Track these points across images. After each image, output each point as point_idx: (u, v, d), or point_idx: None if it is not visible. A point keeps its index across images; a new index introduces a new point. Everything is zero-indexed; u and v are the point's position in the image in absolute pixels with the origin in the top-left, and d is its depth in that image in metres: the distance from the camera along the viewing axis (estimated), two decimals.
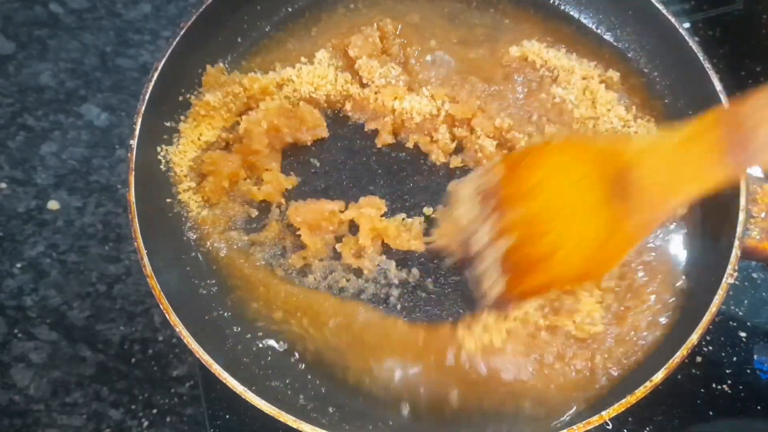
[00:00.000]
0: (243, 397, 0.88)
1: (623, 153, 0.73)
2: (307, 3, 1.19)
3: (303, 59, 1.11)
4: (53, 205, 1.21)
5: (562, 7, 1.21)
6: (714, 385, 1.09)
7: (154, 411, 1.12)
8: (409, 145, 1.10)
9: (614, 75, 1.11)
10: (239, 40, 1.16)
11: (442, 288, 1.01)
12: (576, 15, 1.21)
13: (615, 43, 1.19)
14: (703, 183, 0.71)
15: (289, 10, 1.19)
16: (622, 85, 1.14)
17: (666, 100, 1.13)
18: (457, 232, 0.89)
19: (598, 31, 1.20)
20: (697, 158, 0.70)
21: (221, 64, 1.11)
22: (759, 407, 1.08)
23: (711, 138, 0.69)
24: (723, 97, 1.00)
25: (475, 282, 0.88)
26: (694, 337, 0.90)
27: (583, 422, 0.87)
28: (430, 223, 1.03)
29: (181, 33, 1.03)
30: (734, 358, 1.11)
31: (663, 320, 1.00)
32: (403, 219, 1.04)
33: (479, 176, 0.89)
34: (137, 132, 0.98)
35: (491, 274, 0.84)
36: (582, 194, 0.76)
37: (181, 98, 1.09)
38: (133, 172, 0.96)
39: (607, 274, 0.88)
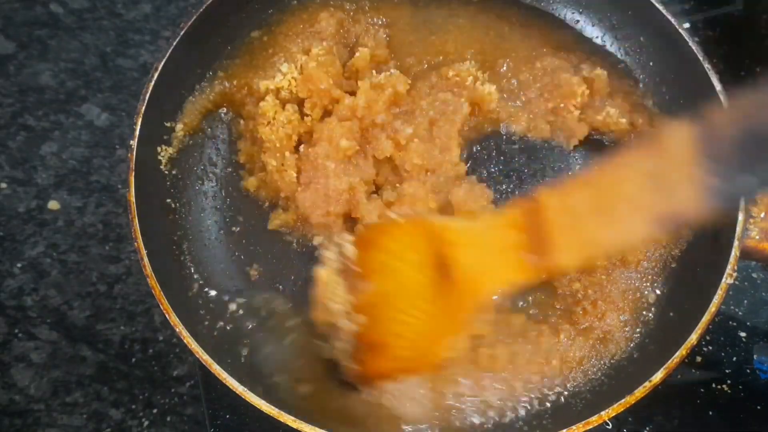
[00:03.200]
0: (243, 397, 0.88)
1: (446, 234, 0.72)
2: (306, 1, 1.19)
3: (304, 58, 1.12)
4: (53, 205, 1.21)
5: (562, 7, 1.21)
6: (714, 385, 1.09)
7: (155, 411, 1.12)
8: None
9: (601, 73, 1.12)
10: (240, 39, 1.16)
11: None
12: (576, 15, 1.21)
13: (615, 43, 1.19)
14: (506, 280, 0.70)
15: (293, 3, 1.19)
16: (620, 84, 1.14)
17: (666, 99, 1.13)
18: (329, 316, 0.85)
19: (598, 31, 1.20)
20: (499, 254, 0.68)
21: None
22: (759, 407, 1.08)
23: (511, 235, 0.67)
24: (723, 97, 1.00)
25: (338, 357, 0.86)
26: (693, 337, 0.90)
27: (583, 422, 0.87)
28: None
29: (181, 33, 1.03)
30: (734, 358, 1.11)
31: (662, 319, 1.00)
32: None
33: (334, 256, 0.85)
34: (137, 132, 0.98)
35: (345, 352, 0.83)
36: (415, 278, 0.75)
37: (181, 98, 1.09)
38: (133, 172, 0.96)
39: (444, 358, 0.82)
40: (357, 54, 1.09)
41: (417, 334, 0.76)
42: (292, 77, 1.09)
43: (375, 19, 1.17)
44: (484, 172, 1.11)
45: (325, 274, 0.84)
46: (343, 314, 0.80)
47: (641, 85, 1.16)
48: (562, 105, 1.11)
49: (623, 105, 1.13)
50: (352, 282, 0.80)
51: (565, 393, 0.99)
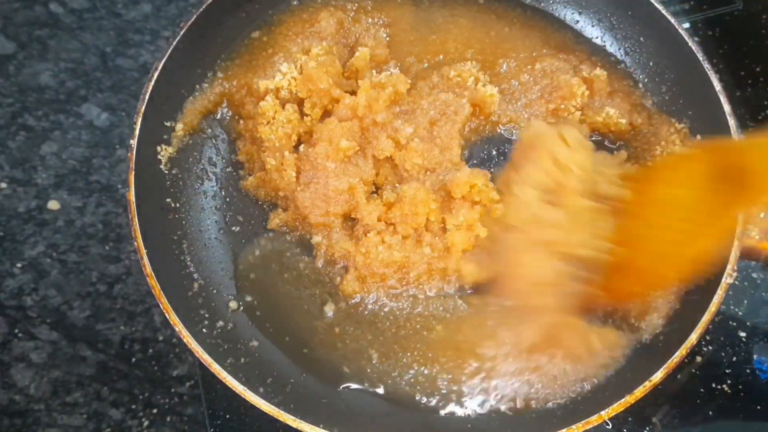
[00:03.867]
0: (243, 397, 0.89)
1: (738, 148, 0.83)
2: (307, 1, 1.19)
3: (304, 57, 1.12)
4: (53, 205, 1.21)
5: (563, 12, 1.21)
6: (714, 385, 1.09)
7: (155, 411, 1.12)
8: None
9: (601, 73, 1.12)
10: (240, 39, 1.16)
11: None
12: (576, 15, 1.21)
13: (615, 43, 1.19)
14: None
15: (293, 3, 1.19)
16: (620, 84, 1.14)
17: (666, 99, 1.14)
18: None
19: (598, 31, 1.20)
20: None
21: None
22: (759, 407, 1.08)
23: None
24: (722, 97, 1.00)
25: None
26: (693, 337, 0.90)
27: (583, 422, 0.87)
28: None
29: (181, 33, 1.03)
30: (734, 358, 1.11)
31: (662, 320, 1.00)
32: None
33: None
34: (137, 132, 0.98)
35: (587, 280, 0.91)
36: (688, 197, 0.84)
37: (181, 98, 1.09)
38: (133, 172, 0.96)
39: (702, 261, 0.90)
40: (357, 53, 1.09)
41: (677, 243, 0.85)
42: (292, 77, 1.09)
43: (376, 19, 1.17)
44: None
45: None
46: (596, 248, 0.90)
47: (641, 85, 1.16)
48: (562, 106, 1.12)
49: (623, 105, 1.13)
50: (616, 219, 0.91)
51: (566, 393, 0.99)
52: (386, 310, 1.03)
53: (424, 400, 0.99)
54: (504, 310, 0.99)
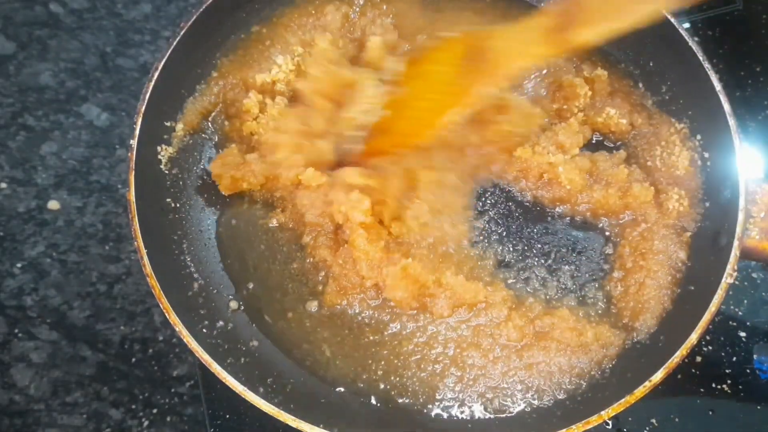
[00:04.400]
0: (243, 397, 0.89)
1: (487, 33, 0.92)
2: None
3: (301, 50, 1.12)
4: (53, 205, 1.21)
5: None
6: (714, 385, 1.09)
7: (155, 411, 1.12)
8: None
9: (602, 74, 1.12)
10: (239, 38, 1.16)
11: None
12: None
13: (614, 43, 1.19)
14: (536, 54, 0.88)
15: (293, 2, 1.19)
16: (620, 84, 1.14)
17: (666, 99, 1.13)
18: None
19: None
20: (536, 36, 0.86)
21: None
22: (759, 407, 1.09)
23: (546, 23, 0.84)
24: (723, 96, 1.00)
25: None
26: (693, 337, 0.90)
27: (583, 422, 0.87)
28: None
29: (181, 33, 1.03)
30: (734, 358, 1.11)
31: (655, 320, 1.00)
32: None
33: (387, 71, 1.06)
34: (137, 132, 0.98)
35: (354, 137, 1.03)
36: (445, 70, 0.96)
37: (181, 98, 1.09)
38: (133, 172, 0.96)
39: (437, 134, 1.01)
40: (369, 43, 1.09)
41: (426, 111, 0.98)
42: (288, 69, 1.09)
43: (382, 17, 1.17)
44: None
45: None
46: (366, 111, 1.02)
47: (641, 85, 1.16)
48: (565, 107, 1.11)
49: (623, 105, 1.13)
50: (390, 89, 1.02)
51: (566, 392, 0.99)
52: (369, 316, 1.04)
53: (421, 403, 0.99)
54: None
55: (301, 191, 1.04)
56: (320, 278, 1.05)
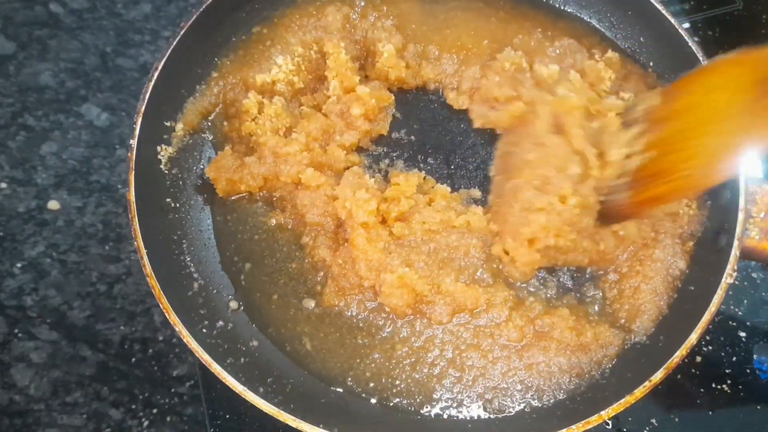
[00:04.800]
0: (243, 397, 0.89)
1: None
2: None
3: (301, 50, 1.12)
4: (53, 205, 1.21)
5: (562, 7, 1.21)
6: (714, 385, 1.09)
7: (155, 410, 1.12)
8: None
9: (613, 56, 1.11)
10: (240, 39, 1.16)
11: None
12: (575, 14, 1.21)
13: (615, 43, 1.19)
14: None
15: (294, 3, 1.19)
16: (633, 66, 1.14)
17: None
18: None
19: (598, 30, 1.20)
20: None
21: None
22: (759, 407, 1.09)
23: None
24: None
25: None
26: (693, 337, 0.90)
27: (583, 422, 0.87)
28: None
29: (181, 33, 1.03)
30: (734, 358, 1.11)
31: (653, 321, 1.00)
32: None
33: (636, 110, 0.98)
34: (137, 132, 0.98)
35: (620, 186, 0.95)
36: (729, 103, 0.84)
37: (181, 98, 1.09)
38: (133, 172, 0.96)
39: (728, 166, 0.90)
40: (383, 54, 1.09)
41: (709, 151, 0.86)
42: (288, 69, 1.09)
43: (383, 18, 1.17)
44: None
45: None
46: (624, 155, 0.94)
47: (650, 69, 1.15)
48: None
49: (639, 87, 1.11)
50: (644, 128, 0.93)
51: (566, 392, 0.99)
52: (364, 318, 1.03)
53: (419, 403, 0.99)
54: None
55: (302, 191, 1.04)
56: (319, 278, 1.05)
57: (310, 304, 1.04)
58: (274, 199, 1.09)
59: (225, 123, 1.12)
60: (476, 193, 1.10)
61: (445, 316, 1.00)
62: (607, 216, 0.98)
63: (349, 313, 1.03)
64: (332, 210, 1.03)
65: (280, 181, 1.05)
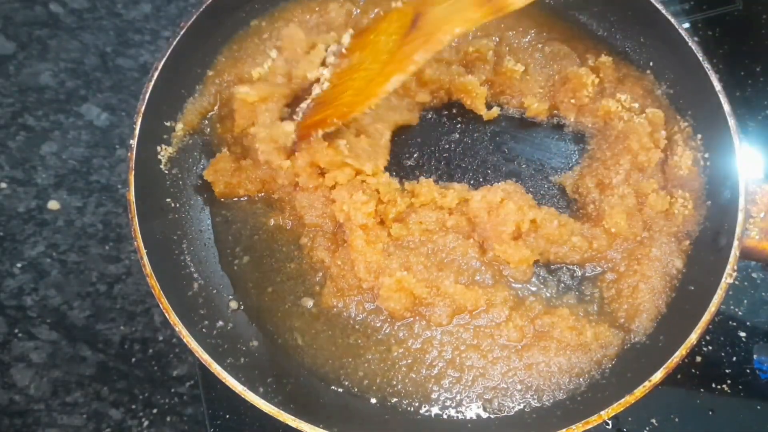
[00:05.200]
0: (243, 397, 0.88)
1: (425, 1, 0.94)
2: None
3: (299, 50, 1.12)
4: (53, 205, 1.21)
5: (562, 8, 1.21)
6: (714, 385, 1.09)
7: (155, 410, 1.12)
8: None
9: (606, 60, 1.12)
10: (240, 37, 1.16)
11: None
12: (576, 14, 1.21)
13: (615, 43, 1.19)
14: (468, 22, 0.90)
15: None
16: (629, 69, 1.14)
17: (666, 101, 1.13)
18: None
19: (598, 30, 1.20)
20: (467, 5, 0.90)
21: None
22: (759, 407, 1.08)
23: None
24: (723, 97, 1.00)
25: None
26: (693, 337, 0.90)
27: (583, 422, 0.87)
28: None
29: (181, 33, 1.03)
30: (734, 358, 1.11)
31: (652, 321, 1.00)
32: None
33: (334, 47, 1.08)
34: (137, 132, 0.98)
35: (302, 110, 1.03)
36: (387, 40, 0.98)
37: (181, 98, 1.09)
38: (133, 172, 0.96)
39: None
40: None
41: (368, 80, 0.97)
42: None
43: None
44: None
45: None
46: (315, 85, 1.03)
47: (648, 71, 1.15)
48: (573, 100, 1.11)
49: (634, 90, 1.12)
50: (339, 63, 1.04)
51: (566, 392, 0.99)
52: (362, 319, 1.03)
53: (418, 403, 0.99)
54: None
55: (300, 192, 1.04)
56: (317, 279, 1.05)
57: (308, 303, 1.04)
58: (274, 199, 1.09)
59: (218, 125, 1.12)
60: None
61: (445, 318, 1.00)
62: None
63: (347, 314, 1.03)
64: (331, 212, 1.03)
65: (277, 183, 1.05)
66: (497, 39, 1.16)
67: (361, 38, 1.04)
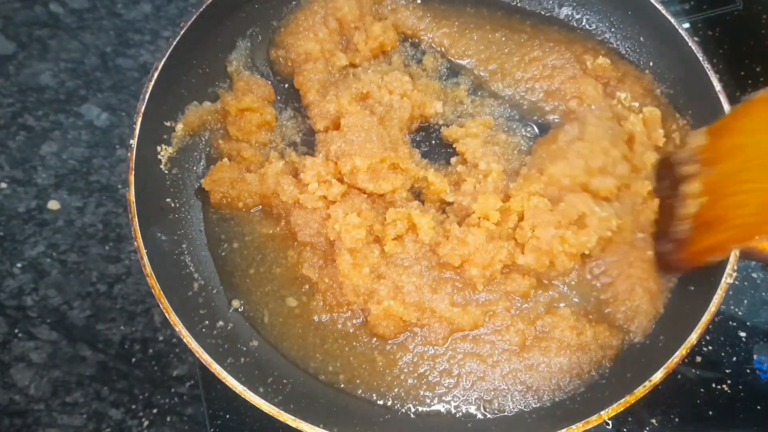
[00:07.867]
0: (243, 397, 0.88)
1: None
2: None
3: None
4: (53, 205, 1.21)
5: (561, 8, 1.21)
6: (714, 385, 1.09)
7: (155, 411, 1.12)
8: None
9: (604, 61, 1.12)
10: (240, 37, 1.16)
11: None
12: (576, 15, 1.21)
13: (615, 43, 1.19)
14: None
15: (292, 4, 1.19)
16: (628, 68, 1.14)
17: (665, 100, 1.13)
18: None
19: (598, 31, 1.20)
20: None
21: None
22: (759, 407, 1.08)
23: None
24: (723, 97, 1.00)
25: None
26: (693, 337, 0.90)
27: (583, 422, 0.87)
28: None
29: (181, 33, 1.03)
30: (734, 358, 1.11)
31: (650, 322, 1.00)
32: None
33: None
34: (137, 132, 0.98)
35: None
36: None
37: (181, 98, 1.09)
38: (133, 172, 0.96)
39: None
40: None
41: (761, 196, 0.81)
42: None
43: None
44: None
45: None
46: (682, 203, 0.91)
47: (647, 71, 1.15)
48: (581, 108, 1.11)
49: (635, 88, 1.12)
50: (695, 170, 0.90)
51: (566, 392, 0.99)
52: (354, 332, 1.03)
53: (417, 404, 0.99)
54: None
55: (297, 210, 1.03)
56: (304, 290, 1.04)
57: (293, 303, 1.04)
58: (272, 209, 1.08)
59: (221, 141, 1.12)
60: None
61: (440, 339, 1.00)
62: (665, 267, 0.98)
63: (338, 327, 1.02)
64: (326, 229, 1.02)
65: (279, 198, 1.05)
66: None
67: (723, 140, 0.89)
